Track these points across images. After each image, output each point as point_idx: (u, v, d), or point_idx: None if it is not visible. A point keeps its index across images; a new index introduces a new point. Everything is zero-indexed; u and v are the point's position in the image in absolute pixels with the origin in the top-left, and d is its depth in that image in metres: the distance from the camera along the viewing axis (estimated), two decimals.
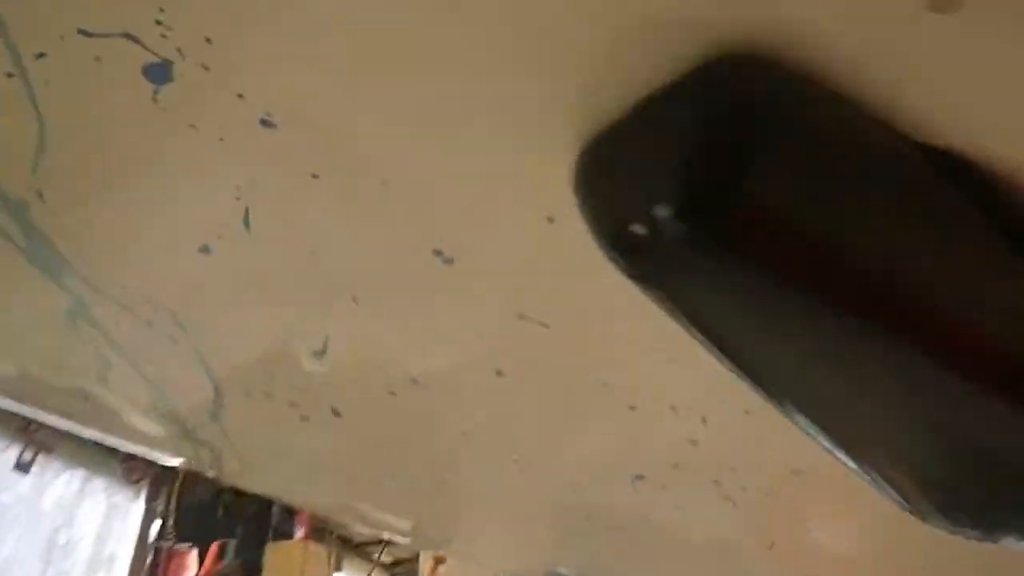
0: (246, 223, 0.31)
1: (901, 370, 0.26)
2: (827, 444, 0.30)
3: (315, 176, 0.29)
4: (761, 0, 0.21)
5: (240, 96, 0.26)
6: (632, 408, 0.39)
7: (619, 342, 0.35)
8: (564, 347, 0.35)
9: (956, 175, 0.24)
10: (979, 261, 0.25)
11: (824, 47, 0.22)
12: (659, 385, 0.37)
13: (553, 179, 0.27)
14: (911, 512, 0.33)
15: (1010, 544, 0.33)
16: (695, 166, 0.22)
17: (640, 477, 0.45)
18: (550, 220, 0.29)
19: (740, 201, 0.22)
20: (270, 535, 3.19)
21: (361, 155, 0.28)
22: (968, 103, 0.23)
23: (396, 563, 3.58)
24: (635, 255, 0.23)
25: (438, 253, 0.31)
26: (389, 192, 0.29)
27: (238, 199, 0.30)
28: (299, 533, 3.15)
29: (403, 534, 0.72)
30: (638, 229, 0.23)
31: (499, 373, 0.37)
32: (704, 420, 0.39)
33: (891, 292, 0.24)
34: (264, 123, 0.27)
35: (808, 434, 0.30)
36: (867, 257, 0.24)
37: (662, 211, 0.22)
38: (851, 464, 0.31)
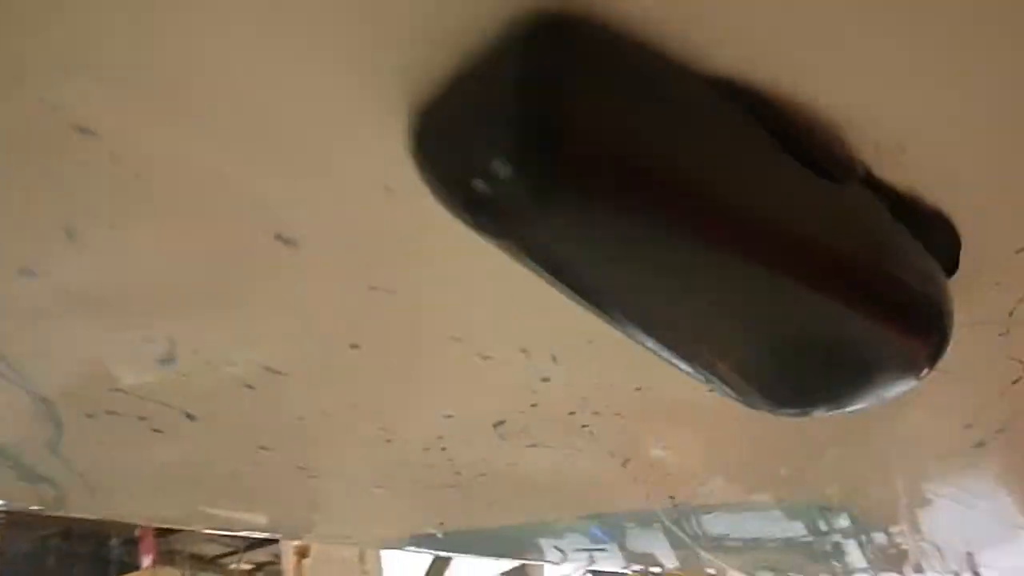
0: (71, 237, 0.30)
1: (729, 278, 0.30)
2: (668, 356, 0.33)
3: (138, 176, 0.28)
4: None
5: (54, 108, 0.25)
6: (485, 358, 0.41)
7: (466, 297, 0.36)
8: (415, 310, 0.37)
9: (749, 104, 0.28)
10: (778, 175, 0.29)
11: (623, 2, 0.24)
12: (509, 332, 0.39)
13: (387, 149, 0.28)
14: (741, 402, 0.38)
15: (819, 414, 0.38)
16: (523, 118, 0.24)
17: (501, 423, 0.48)
18: (388, 190, 0.30)
19: (568, 145, 0.24)
20: (113, 571, 3.01)
21: (183, 151, 0.28)
22: (746, 36, 0.26)
23: (257, 568, 3.49)
24: (481, 210, 0.25)
25: (280, 237, 0.31)
26: (220, 182, 0.29)
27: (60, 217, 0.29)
28: (146, 562, 2.99)
29: (261, 529, 0.72)
30: (479, 185, 0.24)
31: (354, 346, 0.38)
32: (554, 358, 0.42)
33: (711, 208, 0.27)
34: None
35: (651, 350, 0.33)
36: (688, 180, 0.27)
37: (498, 164, 0.24)
38: (689, 370, 0.35)
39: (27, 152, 0.27)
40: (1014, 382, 0.54)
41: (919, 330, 0.36)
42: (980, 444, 0.62)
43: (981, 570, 1.04)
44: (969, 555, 1.03)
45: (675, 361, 0.34)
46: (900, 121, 0.31)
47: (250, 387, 0.40)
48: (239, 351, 0.38)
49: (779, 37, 0.27)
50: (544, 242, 0.26)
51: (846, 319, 0.34)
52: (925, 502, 0.80)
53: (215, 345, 0.37)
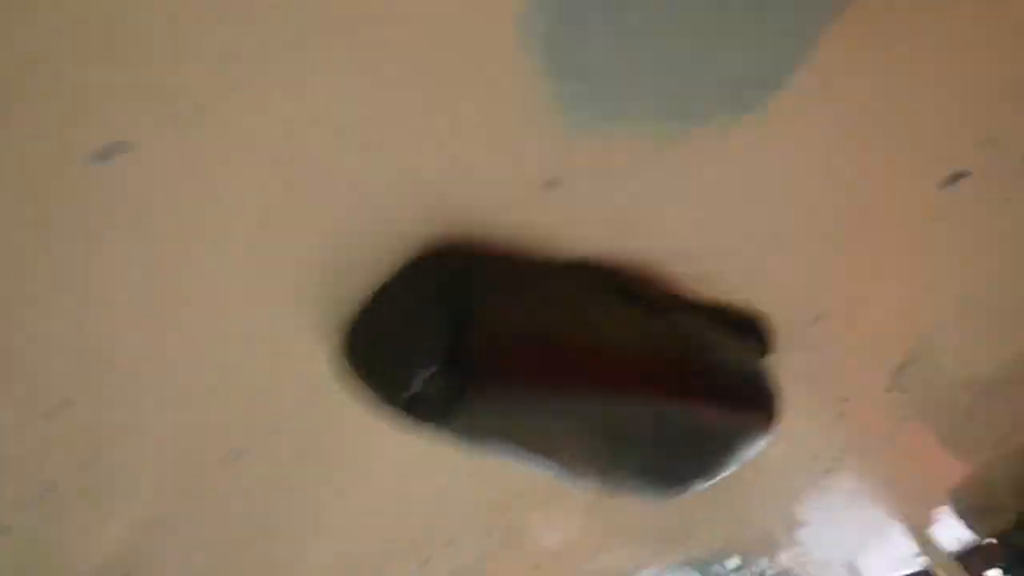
0: None
1: (609, 409, 0.38)
2: (578, 478, 0.40)
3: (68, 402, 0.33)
4: (439, 209, 0.31)
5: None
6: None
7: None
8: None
9: (597, 275, 0.36)
10: (623, 319, 0.38)
11: (490, 230, 0.32)
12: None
13: (316, 362, 0.35)
14: (640, 497, 0.45)
15: (699, 489, 0.47)
16: (434, 329, 0.31)
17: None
18: (314, 391, 0.36)
19: (482, 347, 0.31)
20: None
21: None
22: (586, 235, 0.35)
23: None
24: (413, 410, 0.31)
25: (234, 451, 0.37)
26: (186, 395, 0.34)
27: None
28: None
29: None
30: (410, 390, 0.31)
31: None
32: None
33: (585, 361, 0.35)
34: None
35: (559, 474, 0.40)
36: (571, 347, 0.34)
37: (421, 372, 0.31)
38: (594, 484, 0.42)
39: None
40: (839, 416, 0.66)
41: (753, 404, 0.46)
42: (828, 471, 0.73)
43: (864, 573, 1.16)
44: (851, 563, 1.15)
45: (585, 480, 0.41)
46: (703, 259, 0.41)
47: None
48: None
49: (611, 229, 0.36)
50: (472, 422, 0.33)
51: (697, 414, 0.42)
52: (799, 526, 0.90)
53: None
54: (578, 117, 0.30)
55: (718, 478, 0.46)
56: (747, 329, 0.46)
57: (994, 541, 1.35)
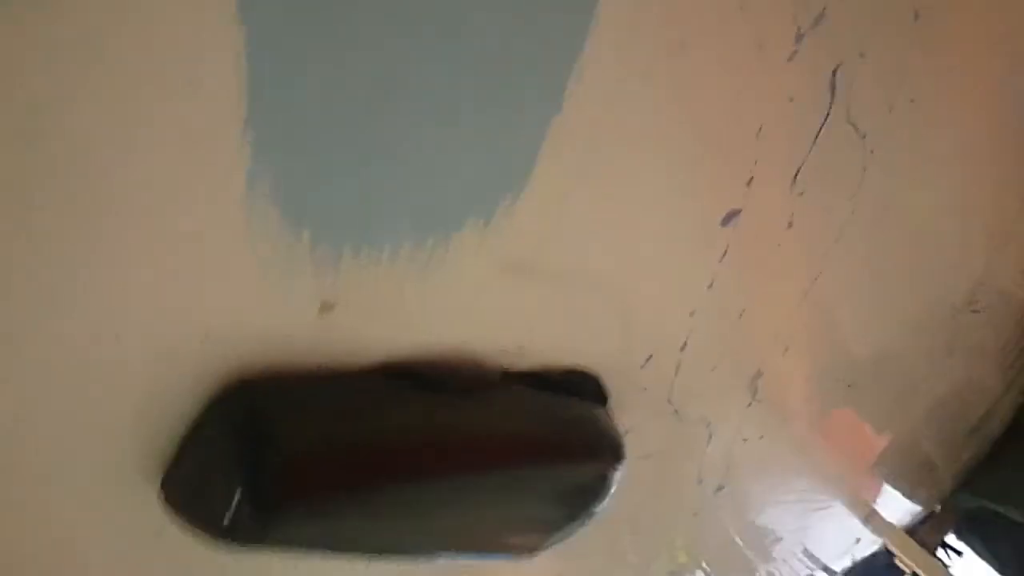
0: None
1: (450, 493, 0.41)
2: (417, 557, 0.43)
3: None
4: (227, 351, 0.35)
5: None
6: None
7: None
8: None
9: (396, 376, 0.40)
10: (443, 414, 0.41)
11: (280, 358, 0.36)
12: None
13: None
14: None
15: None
16: (234, 460, 0.34)
17: None
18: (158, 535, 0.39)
19: (282, 468, 0.34)
20: None
21: None
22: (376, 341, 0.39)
23: None
24: (235, 534, 0.34)
25: None
26: None
27: None
28: None
29: None
30: (228, 519, 0.34)
31: None
32: None
33: (398, 458, 0.39)
34: None
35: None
36: (377, 449, 0.38)
37: (229, 502, 0.34)
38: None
39: None
40: (708, 441, 0.70)
41: (598, 450, 0.49)
42: (720, 488, 0.77)
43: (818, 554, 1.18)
44: (805, 549, 1.17)
45: (433, 556, 0.44)
46: (502, 336, 0.45)
47: None
48: None
49: (398, 331, 0.40)
50: (288, 536, 0.36)
51: (551, 475, 0.46)
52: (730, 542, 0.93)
53: None
54: (333, 248, 0.34)
55: (594, 518, 0.49)
56: (576, 384, 0.50)
57: (939, 508, 1.40)
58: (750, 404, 0.69)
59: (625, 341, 0.52)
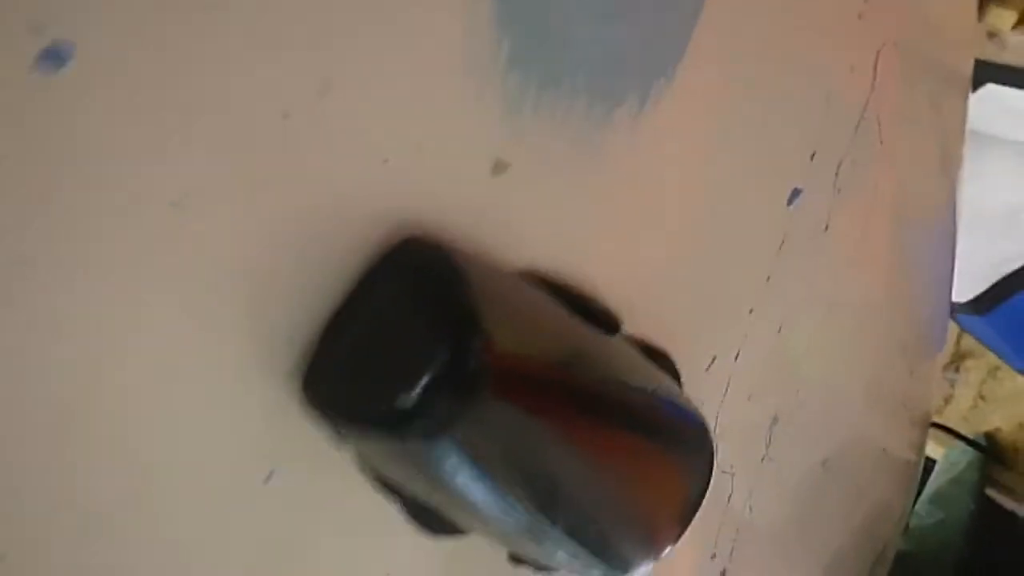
0: None
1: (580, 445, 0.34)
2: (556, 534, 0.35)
3: None
4: (392, 200, 0.28)
5: None
6: None
7: None
8: None
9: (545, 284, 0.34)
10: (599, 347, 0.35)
11: (445, 220, 0.29)
12: None
13: (267, 434, 0.28)
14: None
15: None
16: (434, 329, 0.26)
17: None
18: (268, 477, 0.29)
19: (482, 351, 0.26)
20: None
21: None
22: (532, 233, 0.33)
23: None
24: (408, 423, 0.26)
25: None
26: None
27: None
28: None
29: None
30: (403, 402, 0.25)
31: None
32: None
33: (585, 396, 0.32)
34: None
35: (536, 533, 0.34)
36: (544, 354, 0.31)
37: (421, 376, 0.25)
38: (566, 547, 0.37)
39: None
40: (728, 498, 0.64)
41: (707, 436, 0.44)
42: (724, 572, 0.70)
43: None
44: None
45: (561, 541, 0.36)
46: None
47: None
48: None
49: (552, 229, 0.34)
50: (470, 436, 0.28)
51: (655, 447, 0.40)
52: None
53: None
54: (522, 76, 0.30)
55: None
56: (665, 367, 0.45)
57: None
58: (763, 459, 0.65)
59: (699, 329, 0.48)
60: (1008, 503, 1.81)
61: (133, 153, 0.21)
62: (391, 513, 0.34)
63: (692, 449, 0.43)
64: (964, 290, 1.71)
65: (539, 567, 0.45)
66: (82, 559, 0.24)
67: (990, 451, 1.80)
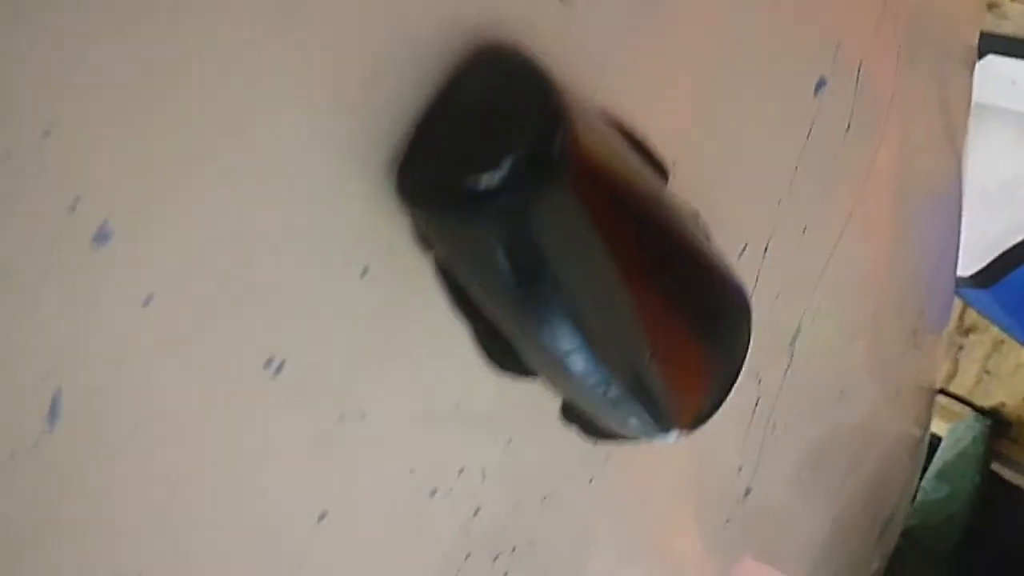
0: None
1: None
2: (595, 363, 0.37)
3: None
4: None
5: None
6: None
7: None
8: (383, 436, 0.35)
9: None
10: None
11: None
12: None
13: (365, 224, 0.30)
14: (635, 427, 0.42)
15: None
16: (522, 117, 0.29)
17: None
18: (364, 271, 0.31)
19: (568, 135, 0.29)
20: None
21: None
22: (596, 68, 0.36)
23: None
24: (492, 199, 0.28)
25: (270, 363, 0.30)
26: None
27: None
28: None
29: None
30: (489, 179, 0.28)
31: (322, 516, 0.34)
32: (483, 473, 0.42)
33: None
34: None
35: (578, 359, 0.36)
36: (613, 175, 0.33)
37: (507, 156, 0.28)
38: (603, 380, 0.38)
39: None
40: (756, 404, 0.67)
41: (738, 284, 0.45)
42: (748, 491, 0.72)
43: None
44: None
45: (595, 367, 0.37)
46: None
47: None
48: None
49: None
50: (539, 224, 0.30)
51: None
52: None
53: None
54: None
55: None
56: None
57: None
58: (787, 371, 0.68)
59: (732, 211, 0.50)
60: (1014, 477, 1.82)
61: None
62: (466, 341, 0.37)
63: (734, 313, 0.45)
64: (967, 263, 1.73)
65: (587, 429, 0.47)
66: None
67: (998, 421, 1.82)
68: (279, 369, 0.30)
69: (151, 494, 0.27)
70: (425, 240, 0.32)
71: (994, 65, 1.52)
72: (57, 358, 0.24)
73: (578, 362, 0.37)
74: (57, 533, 0.25)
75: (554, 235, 0.31)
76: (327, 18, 0.27)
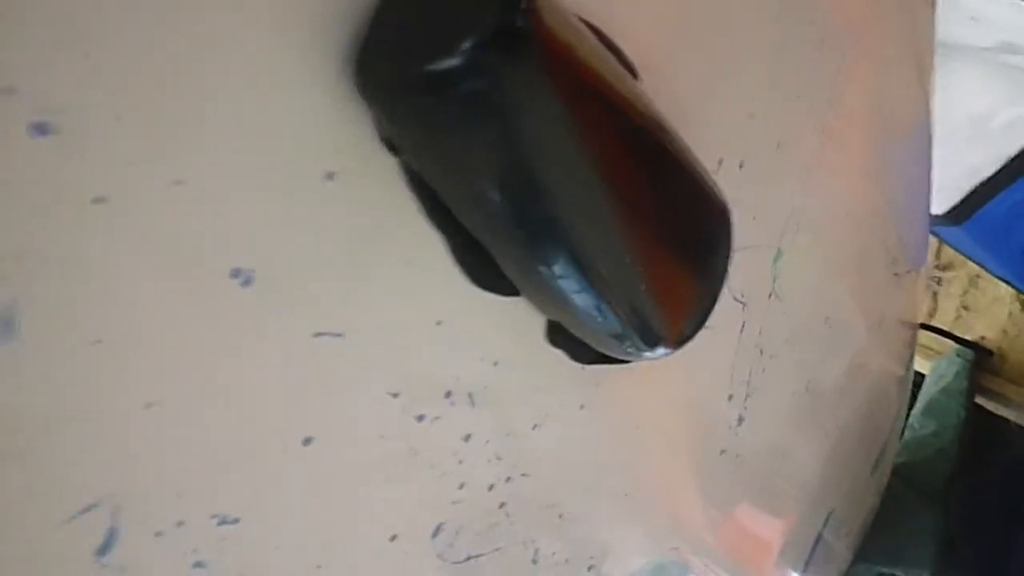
0: None
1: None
2: (577, 275, 0.36)
3: None
4: None
5: None
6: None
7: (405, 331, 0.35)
8: (362, 355, 0.34)
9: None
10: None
11: None
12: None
13: (326, 125, 0.29)
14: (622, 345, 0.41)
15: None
16: None
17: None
18: (328, 176, 0.30)
19: (530, 23, 0.27)
20: None
21: None
22: None
23: None
24: (460, 79, 0.27)
25: (237, 273, 0.28)
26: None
27: None
28: None
29: None
30: (451, 62, 0.26)
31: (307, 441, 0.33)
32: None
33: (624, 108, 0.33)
34: None
35: (562, 269, 0.35)
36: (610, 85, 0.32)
37: (469, 35, 0.27)
38: (590, 298, 0.37)
39: None
40: (742, 328, 0.66)
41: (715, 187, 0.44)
42: (740, 419, 0.72)
43: None
44: None
45: (580, 283, 0.36)
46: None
47: None
48: None
49: None
50: (508, 102, 0.28)
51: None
52: None
53: None
54: None
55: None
56: None
57: None
58: (770, 295, 0.67)
59: (704, 121, 0.49)
60: (997, 408, 1.85)
61: None
62: (443, 255, 0.35)
63: (716, 224, 0.44)
64: (940, 201, 1.74)
65: (575, 352, 0.46)
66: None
67: (979, 354, 1.84)
68: (247, 282, 0.29)
69: (122, 414, 0.26)
70: (390, 143, 0.31)
71: (954, 2, 1.52)
72: (8, 264, 0.23)
73: (564, 280, 0.36)
74: (18, 457, 0.24)
75: (527, 123, 0.29)
76: None
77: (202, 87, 0.26)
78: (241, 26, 0.26)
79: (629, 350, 0.42)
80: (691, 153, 0.41)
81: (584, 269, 0.36)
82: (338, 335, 0.33)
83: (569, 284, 0.37)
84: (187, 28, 0.25)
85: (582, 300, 0.38)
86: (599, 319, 0.39)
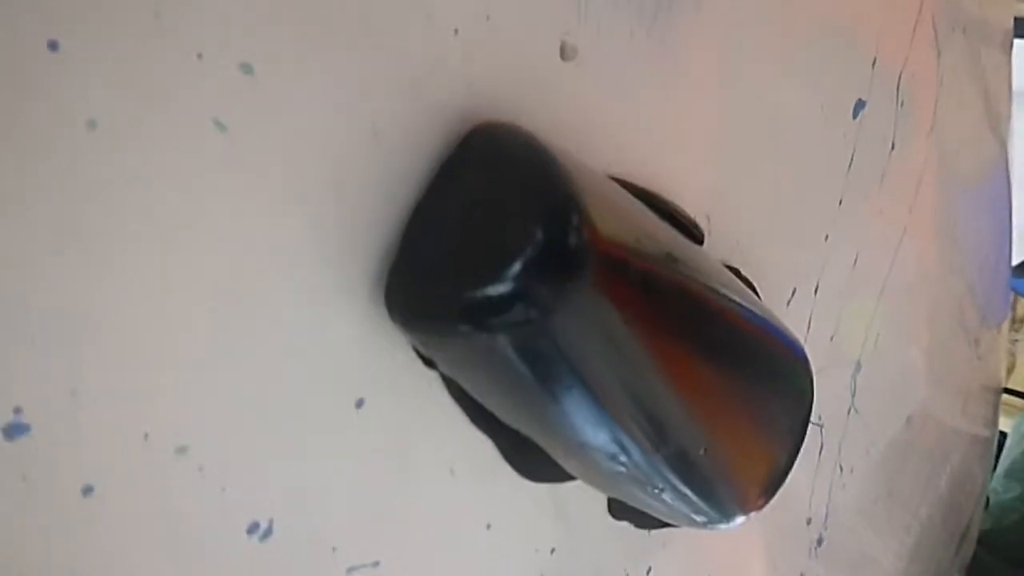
0: None
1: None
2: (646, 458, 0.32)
3: None
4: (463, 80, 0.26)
5: None
6: None
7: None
8: None
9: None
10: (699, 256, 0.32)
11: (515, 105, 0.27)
12: None
13: (356, 359, 0.25)
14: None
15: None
16: (527, 208, 0.23)
17: None
18: (359, 404, 0.26)
19: (583, 222, 0.24)
20: None
21: None
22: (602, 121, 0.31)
23: None
24: (506, 310, 0.23)
25: (254, 528, 0.25)
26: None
27: None
28: None
29: None
30: (498, 287, 0.23)
31: None
32: None
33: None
34: None
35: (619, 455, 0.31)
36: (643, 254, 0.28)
37: (517, 256, 0.23)
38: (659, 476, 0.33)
39: None
40: (820, 452, 0.61)
41: (798, 348, 0.40)
42: (820, 539, 0.66)
43: None
44: None
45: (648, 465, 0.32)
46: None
47: None
48: None
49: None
50: (565, 325, 0.25)
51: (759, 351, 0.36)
52: None
53: None
54: None
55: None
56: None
57: None
58: (849, 411, 0.62)
59: (777, 256, 0.45)
60: None
61: None
62: (489, 452, 0.32)
63: (793, 378, 0.40)
64: (1016, 253, 1.66)
65: (640, 521, 0.42)
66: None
67: None
68: (267, 534, 0.25)
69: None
70: (426, 359, 0.27)
71: None
72: None
73: (624, 464, 0.32)
74: None
75: (581, 337, 0.26)
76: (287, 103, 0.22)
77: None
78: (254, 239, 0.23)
79: (705, 526, 0.38)
80: (759, 307, 0.37)
81: (649, 459, 0.32)
82: (375, 564, 0.29)
83: (635, 476, 0.33)
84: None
85: (650, 490, 0.34)
86: (669, 504, 0.35)
